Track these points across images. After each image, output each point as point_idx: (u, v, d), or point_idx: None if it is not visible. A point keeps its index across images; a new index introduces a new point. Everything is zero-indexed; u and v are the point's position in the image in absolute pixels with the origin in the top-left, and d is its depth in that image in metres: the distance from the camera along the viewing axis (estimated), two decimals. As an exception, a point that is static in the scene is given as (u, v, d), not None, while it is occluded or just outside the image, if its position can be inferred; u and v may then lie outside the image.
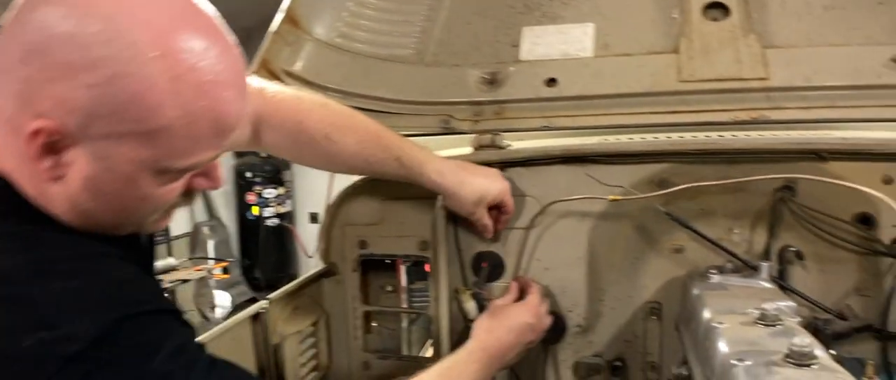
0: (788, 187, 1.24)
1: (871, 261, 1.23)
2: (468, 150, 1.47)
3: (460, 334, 1.44)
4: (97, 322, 0.63)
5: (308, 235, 6.20)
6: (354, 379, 1.70)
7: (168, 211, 0.77)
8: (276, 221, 6.17)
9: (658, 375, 1.49)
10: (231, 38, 0.72)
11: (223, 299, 5.80)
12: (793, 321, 0.96)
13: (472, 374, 1.11)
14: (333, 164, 1.26)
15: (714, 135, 1.30)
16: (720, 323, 0.96)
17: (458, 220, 1.44)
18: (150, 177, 0.69)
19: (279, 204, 6.15)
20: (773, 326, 0.92)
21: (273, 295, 1.40)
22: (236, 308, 5.78)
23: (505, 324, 1.23)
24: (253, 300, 5.85)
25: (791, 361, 0.77)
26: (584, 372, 1.49)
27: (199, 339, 1.20)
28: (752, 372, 0.77)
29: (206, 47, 0.66)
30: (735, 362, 0.80)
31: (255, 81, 1.14)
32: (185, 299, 5.73)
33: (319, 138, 1.18)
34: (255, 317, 1.36)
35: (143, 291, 0.72)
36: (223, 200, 6.22)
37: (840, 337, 1.12)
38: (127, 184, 0.69)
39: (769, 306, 0.94)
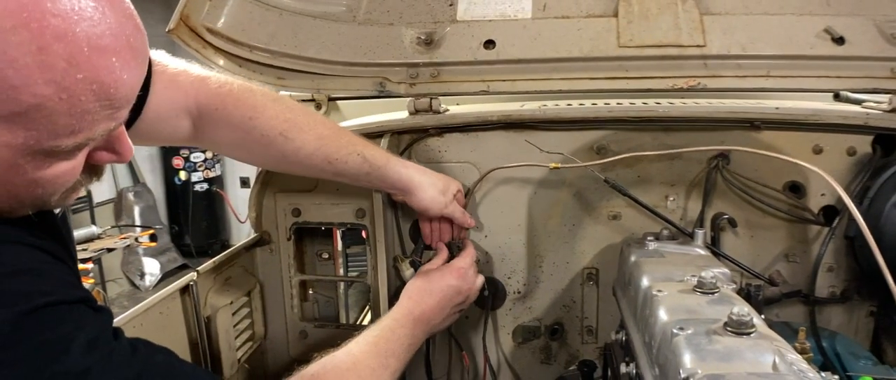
0: (723, 156, 1.26)
1: (799, 228, 1.28)
2: (404, 114, 1.42)
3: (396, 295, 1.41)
4: None
5: (239, 201, 6.01)
6: (291, 348, 1.65)
7: (72, 189, 0.69)
8: (205, 186, 5.93)
9: (595, 338, 1.52)
10: None
11: (152, 267, 5.58)
12: (728, 289, 0.98)
13: (400, 339, 1.09)
14: (288, 163, 1.15)
15: (652, 102, 1.30)
16: (659, 291, 0.96)
17: None
18: (34, 160, 0.60)
19: (208, 168, 5.91)
20: (711, 293, 0.93)
21: (202, 267, 1.32)
22: (166, 275, 5.57)
23: (429, 287, 1.20)
24: (184, 267, 5.67)
25: (730, 329, 0.78)
26: (522, 336, 1.50)
27: (128, 313, 1.14)
28: (693, 341, 0.77)
29: (79, 9, 0.57)
30: (676, 331, 0.80)
31: (197, 69, 1.04)
32: (113, 268, 5.48)
33: (274, 136, 1.08)
34: (184, 290, 1.28)
35: (42, 279, 0.63)
36: (148, 164, 5.92)
37: (770, 302, 1.16)
38: (9, 169, 0.60)
39: (706, 274, 0.95)
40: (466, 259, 1.29)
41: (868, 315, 1.30)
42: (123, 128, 0.68)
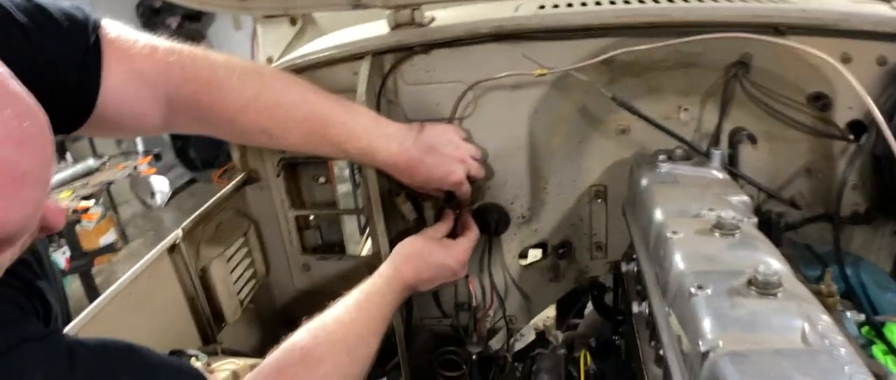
0: (742, 63, 1.12)
1: (823, 143, 1.16)
2: (384, 28, 1.27)
3: (398, 234, 1.35)
4: None
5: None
6: (296, 281, 1.63)
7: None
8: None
9: (604, 254, 1.47)
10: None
11: (162, 185, 5.54)
12: (750, 225, 0.89)
13: (389, 303, 1.07)
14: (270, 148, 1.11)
15: (666, 5, 1.13)
16: (674, 233, 0.88)
17: None
18: None
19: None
20: (732, 235, 0.85)
21: (186, 223, 1.25)
22: (176, 192, 5.58)
23: (427, 260, 1.15)
24: (192, 182, 5.65)
25: (755, 289, 0.70)
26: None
27: (116, 286, 1.08)
28: (714, 304, 0.70)
29: None
30: (695, 290, 0.73)
31: (162, 51, 0.90)
32: (122, 191, 5.48)
33: (256, 133, 1.01)
34: (172, 249, 1.22)
35: None
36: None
37: (792, 228, 1.07)
38: None
39: (725, 215, 0.86)
40: (469, 243, 1.22)
41: (892, 235, 1.21)
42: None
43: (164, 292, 1.20)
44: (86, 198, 3.31)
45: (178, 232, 1.22)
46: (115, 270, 5.02)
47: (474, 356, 1.43)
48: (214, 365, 1.08)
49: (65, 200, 3.25)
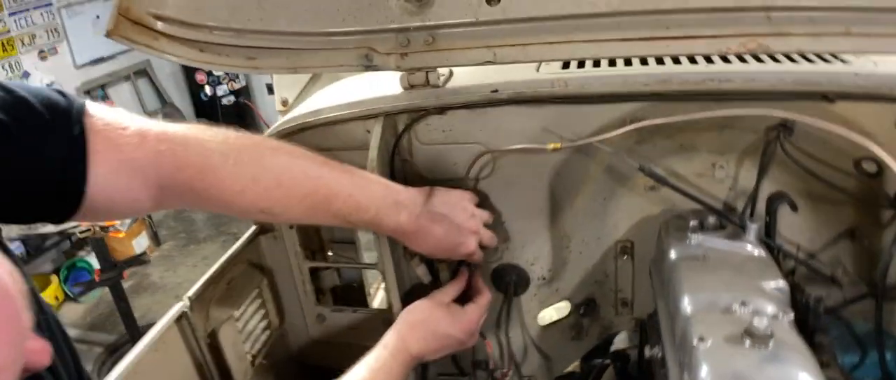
0: (785, 126, 1.03)
1: (870, 208, 1.06)
2: (398, 90, 1.21)
3: (411, 293, 1.30)
4: None
5: (268, 108, 5.90)
6: (311, 331, 1.59)
7: None
8: (231, 98, 5.82)
9: (630, 310, 1.39)
10: None
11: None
12: (786, 329, 0.81)
13: (395, 376, 1.03)
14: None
15: (701, 68, 1.04)
16: (701, 339, 0.80)
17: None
18: None
19: (231, 80, 5.76)
20: (765, 346, 0.77)
21: (193, 292, 1.21)
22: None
23: (433, 329, 1.10)
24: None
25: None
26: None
27: (122, 367, 1.06)
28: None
29: None
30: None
31: (152, 139, 0.85)
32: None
33: (255, 212, 0.98)
34: (181, 317, 1.19)
35: None
36: (172, 82, 5.82)
37: (831, 311, 0.98)
38: None
39: (759, 322, 0.78)
40: (479, 311, 1.16)
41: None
42: None
43: (172, 363, 1.17)
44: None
45: (186, 302, 1.19)
46: (149, 272, 5.13)
47: (492, 418, 1.38)
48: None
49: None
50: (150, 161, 0.85)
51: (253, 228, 1.44)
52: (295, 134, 1.25)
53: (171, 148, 0.86)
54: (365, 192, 1.02)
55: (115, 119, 0.84)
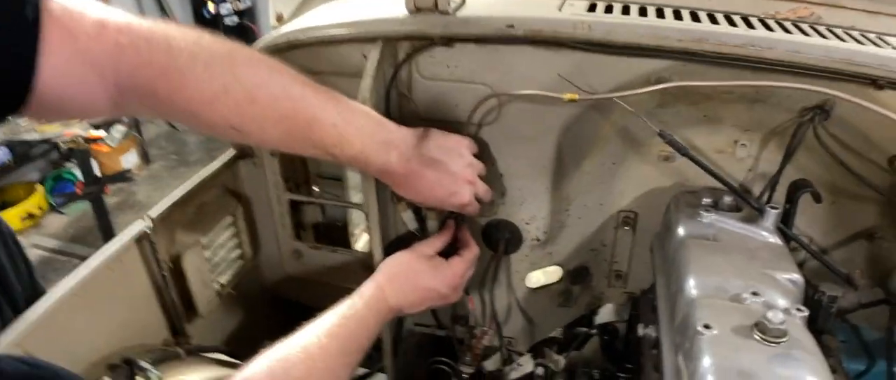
0: (822, 109, 0.92)
1: (895, 209, 0.98)
2: (403, 12, 1.09)
3: (396, 242, 1.22)
4: None
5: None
6: (286, 266, 1.52)
7: None
8: (235, 19, 5.61)
9: (624, 283, 1.31)
10: None
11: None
12: (799, 328, 0.73)
13: (366, 329, 0.95)
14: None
15: (741, 30, 0.93)
16: (707, 326, 0.72)
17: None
18: None
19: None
20: (776, 343, 0.69)
21: (157, 212, 1.12)
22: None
23: (414, 282, 1.03)
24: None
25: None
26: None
27: (70, 282, 0.98)
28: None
29: None
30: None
31: (112, 29, 0.73)
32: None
33: (224, 128, 0.84)
34: (141, 237, 1.10)
35: None
36: (175, -3, 5.59)
37: (844, 313, 0.90)
38: None
39: (772, 315, 0.70)
40: (465, 265, 1.08)
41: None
42: None
43: (129, 285, 1.09)
44: (98, 126, 3.22)
45: (149, 223, 1.10)
46: (135, 190, 5.04)
47: (466, 376, 1.32)
48: (170, 378, 0.97)
49: (77, 125, 3.18)
50: (108, 54, 0.74)
51: (231, 151, 1.34)
52: (283, 51, 1.14)
53: (134, 42, 0.75)
54: (352, 124, 0.91)
55: (75, 5, 0.73)
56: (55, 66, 0.71)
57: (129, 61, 0.74)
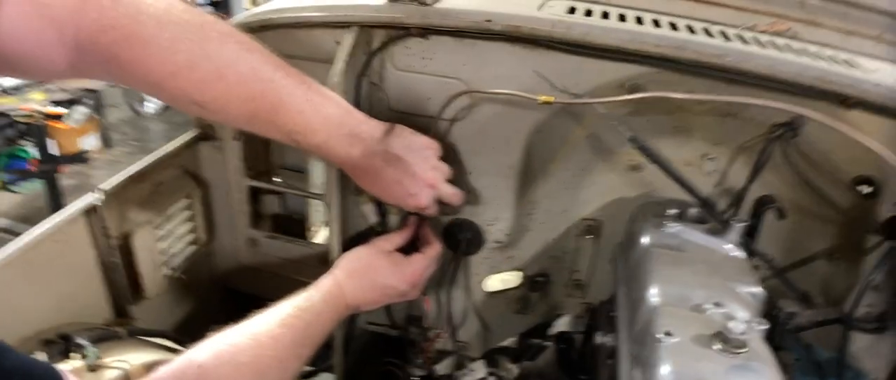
0: (792, 126, 0.93)
1: (856, 231, 0.99)
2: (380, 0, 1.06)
3: (357, 236, 1.19)
4: None
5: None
6: (240, 255, 1.47)
7: None
8: (210, 9, 5.51)
9: (583, 294, 1.30)
10: None
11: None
12: (759, 341, 0.73)
13: (321, 324, 0.92)
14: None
15: (718, 41, 0.93)
16: (668, 333, 0.71)
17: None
18: None
19: (213, -13, 5.46)
20: (736, 354, 0.68)
21: (111, 184, 1.07)
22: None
23: (372, 278, 1.00)
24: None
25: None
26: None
27: (12, 248, 0.93)
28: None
29: None
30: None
31: None
32: (113, 94, 5.26)
33: (186, 103, 0.80)
34: (90, 210, 1.05)
35: None
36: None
37: (800, 330, 0.91)
38: None
39: (734, 325, 0.69)
40: (425, 262, 1.05)
41: (896, 346, 1.05)
42: None
43: (73, 259, 1.03)
44: (60, 103, 3.09)
45: (99, 195, 1.04)
46: (93, 173, 4.88)
47: (416, 379, 1.29)
48: (108, 359, 0.92)
49: (36, 101, 3.05)
50: (68, 12, 0.70)
51: (193, 131, 1.29)
52: (255, 32, 1.10)
53: (97, 2, 0.71)
54: (319, 112, 0.88)
55: None
56: (10, 16, 0.66)
57: (90, 22, 0.70)
